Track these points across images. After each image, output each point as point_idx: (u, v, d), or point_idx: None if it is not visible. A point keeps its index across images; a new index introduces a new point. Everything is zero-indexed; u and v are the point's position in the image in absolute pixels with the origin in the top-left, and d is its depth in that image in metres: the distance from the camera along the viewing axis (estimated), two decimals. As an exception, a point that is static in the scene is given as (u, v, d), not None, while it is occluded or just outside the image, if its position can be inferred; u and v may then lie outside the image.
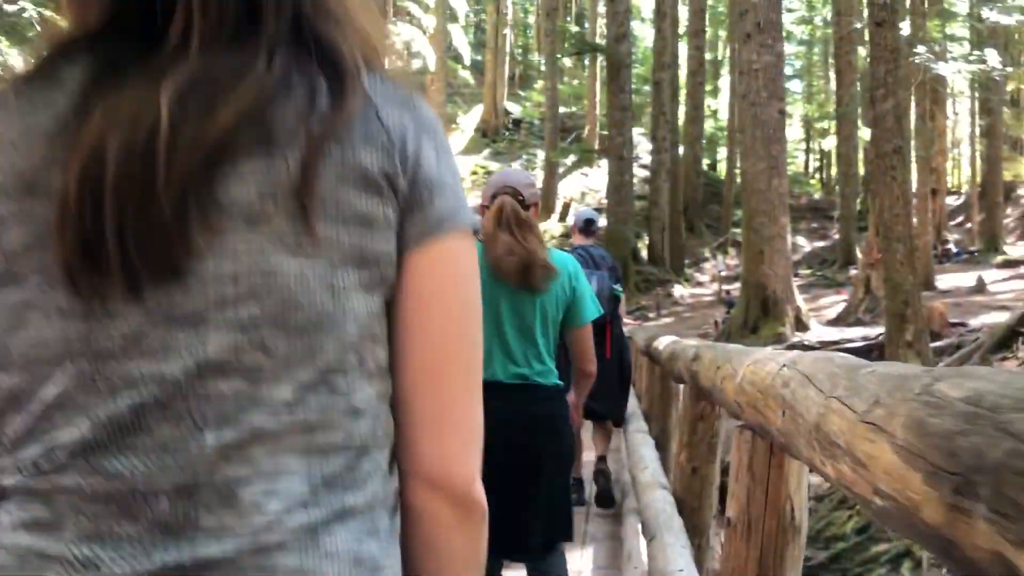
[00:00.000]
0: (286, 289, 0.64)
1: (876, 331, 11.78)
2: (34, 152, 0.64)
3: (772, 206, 12.08)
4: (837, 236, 28.05)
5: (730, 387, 2.23)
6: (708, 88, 35.39)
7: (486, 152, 34.48)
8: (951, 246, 27.02)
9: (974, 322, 12.45)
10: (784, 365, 1.62)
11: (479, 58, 39.55)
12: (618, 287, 4.97)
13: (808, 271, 26.35)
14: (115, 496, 0.62)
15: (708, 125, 36.57)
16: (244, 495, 0.63)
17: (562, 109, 33.77)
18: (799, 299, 13.02)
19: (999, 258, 24.11)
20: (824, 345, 11.31)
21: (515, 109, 37.59)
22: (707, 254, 28.94)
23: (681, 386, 4.23)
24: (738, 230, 30.77)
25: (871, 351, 10.58)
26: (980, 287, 18.18)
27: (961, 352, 9.82)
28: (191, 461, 0.62)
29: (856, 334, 11.86)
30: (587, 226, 5.09)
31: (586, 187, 31.68)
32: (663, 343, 5.17)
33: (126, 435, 0.62)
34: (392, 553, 0.69)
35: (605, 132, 33.44)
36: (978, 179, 31.00)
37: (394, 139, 0.68)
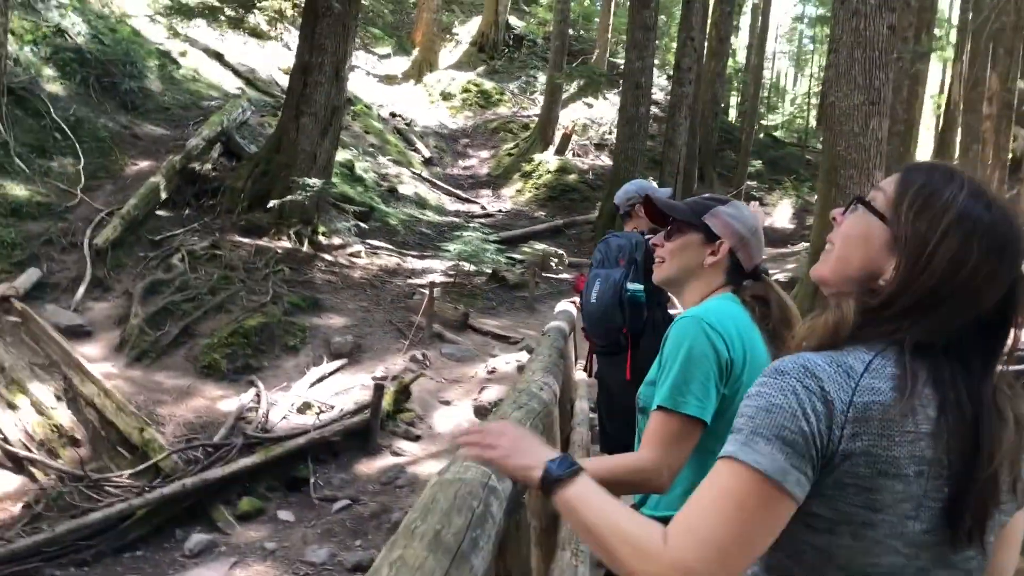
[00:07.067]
0: None
1: None
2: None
3: (866, 156, 8.95)
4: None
5: None
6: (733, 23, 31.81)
7: (481, 69, 30.80)
8: None
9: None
10: None
11: (482, -36, 35.45)
12: (636, 287, 3.80)
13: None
14: None
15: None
16: None
17: (569, 31, 30.04)
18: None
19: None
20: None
21: (518, 24, 33.71)
22: (717, 207, 25.70)
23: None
24: (754, 183, 27.74)
25: None
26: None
27: None
28: None
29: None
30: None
31: (589, 118, 28.14)
32: None
33: None
34: None
35: (615, 60, 30.01)
36: None
37: None
